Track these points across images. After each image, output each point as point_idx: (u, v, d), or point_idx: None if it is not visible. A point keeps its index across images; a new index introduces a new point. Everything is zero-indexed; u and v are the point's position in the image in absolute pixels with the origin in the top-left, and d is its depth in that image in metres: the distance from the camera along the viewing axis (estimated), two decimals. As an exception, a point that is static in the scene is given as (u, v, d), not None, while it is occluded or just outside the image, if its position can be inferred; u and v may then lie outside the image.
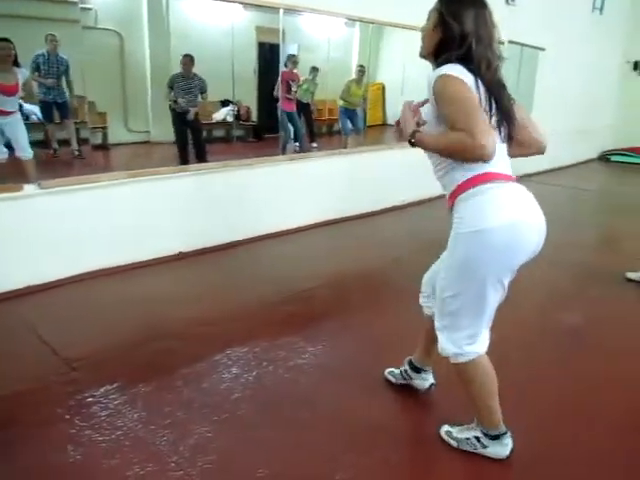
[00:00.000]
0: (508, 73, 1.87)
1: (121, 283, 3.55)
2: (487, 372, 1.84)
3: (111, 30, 3.46)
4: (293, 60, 5.84)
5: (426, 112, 1.76)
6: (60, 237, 3.42)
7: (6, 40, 3.74)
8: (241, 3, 4.33)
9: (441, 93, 1.63)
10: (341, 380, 2.44)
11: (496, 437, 1.89)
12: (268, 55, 6.35)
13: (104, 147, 5.63)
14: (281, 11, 4.43)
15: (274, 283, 3.59)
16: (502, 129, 1.70)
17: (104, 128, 5.60)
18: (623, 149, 10.54)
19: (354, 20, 5.36)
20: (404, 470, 1.95)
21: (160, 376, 2.41)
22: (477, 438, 1.92)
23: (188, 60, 4.86)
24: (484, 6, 1.71)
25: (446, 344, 1.84)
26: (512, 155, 1.80)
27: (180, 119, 5.11)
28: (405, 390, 2.34)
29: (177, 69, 5.30)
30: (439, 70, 1.65)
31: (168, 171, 4.03)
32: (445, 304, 1.81)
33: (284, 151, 5.97)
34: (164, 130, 6.19)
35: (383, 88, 7.84)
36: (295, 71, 5.91)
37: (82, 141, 5.21)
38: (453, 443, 1.97)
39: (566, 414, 2.25)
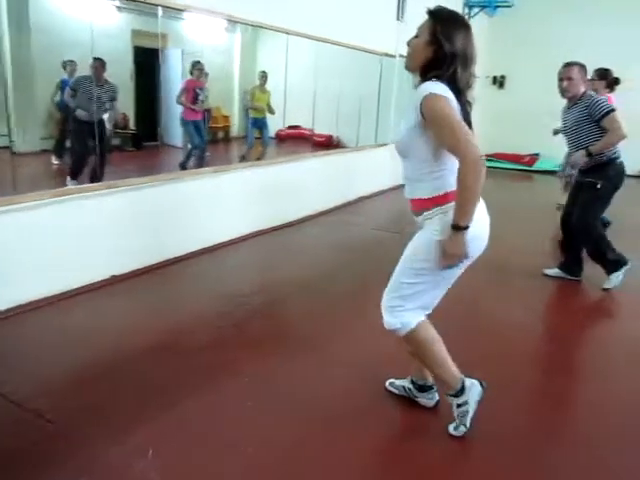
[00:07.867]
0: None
1: (54, 315, 3.14)
2: (432, 336, 2.05)
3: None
4: (199, 67, 5.62)
5: (406, 121, 1.88)
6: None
7: None
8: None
9: (430, 110, 1.76)
10: (342, 384, 2.48)
11: (463, 388, 2.06)
12: (145, 60, 6.05)
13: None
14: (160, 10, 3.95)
15: (227, 299, 3.44)
16: None
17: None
18: (487, 155, 11.72)
19: (234, 22, 4.98)
20: (418, 459, 2.04)
21: (146, 410, 2.21)
22: (458, 405, 2.07)
23: (99, 64, 4.38)
24: (470, 28, 1.90)
25: (390, 319, 2.04)
26: None
27: (83, 128, 4.42)
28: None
29: (42, 68, 4.59)
30: (426, 88, 1.78)
31: (93, 188, 3.69)
32: (401, 288, 2.00)
33: (187, 162, 5.67)
34: (30, 139, 5.58)
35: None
36: (202, 79, 5.72)
37: None
38: (462, 429, 2.07)
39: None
